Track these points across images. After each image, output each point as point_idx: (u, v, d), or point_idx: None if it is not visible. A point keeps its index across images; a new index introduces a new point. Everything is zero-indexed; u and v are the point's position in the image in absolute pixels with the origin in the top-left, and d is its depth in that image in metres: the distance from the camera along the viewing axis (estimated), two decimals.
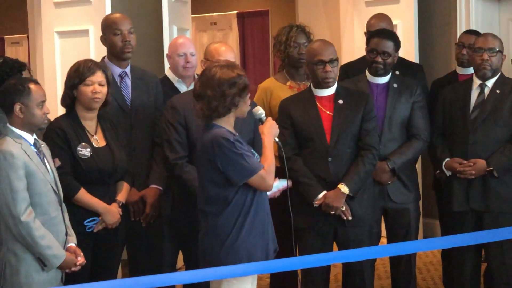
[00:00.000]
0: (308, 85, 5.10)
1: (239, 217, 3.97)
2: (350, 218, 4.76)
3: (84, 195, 4.39)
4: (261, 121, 4.20)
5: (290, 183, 4.38)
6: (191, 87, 5.27)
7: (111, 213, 4.46)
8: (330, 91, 4.86)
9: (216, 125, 3.99)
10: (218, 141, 3.90)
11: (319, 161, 4.78)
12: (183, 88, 5.31)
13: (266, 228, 4.07)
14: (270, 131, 4.11)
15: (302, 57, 5.37)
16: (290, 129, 4.84)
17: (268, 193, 4.19)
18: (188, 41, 5.49)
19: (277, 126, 4.16)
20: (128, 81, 5.00)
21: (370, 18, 5.92)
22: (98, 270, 4.47)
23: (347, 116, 4.81)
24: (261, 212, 4.04)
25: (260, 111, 4.22)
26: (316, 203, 4.73)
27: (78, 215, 4.37)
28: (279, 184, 4.29)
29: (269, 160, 4.02)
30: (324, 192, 4.74)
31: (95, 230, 4.43)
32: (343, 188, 4.72)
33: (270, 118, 4.18)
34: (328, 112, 4.83)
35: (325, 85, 4.83)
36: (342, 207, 4.73)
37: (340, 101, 4.84)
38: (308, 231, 4.80)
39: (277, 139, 4.17)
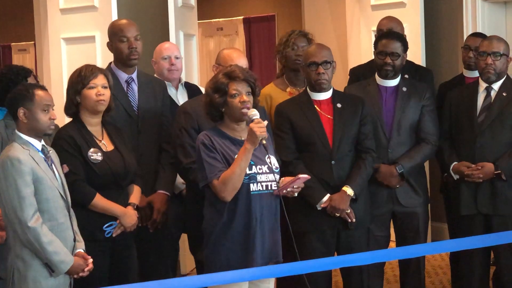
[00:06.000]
0: None
1: (222, 217, 4.01)
2: (354, 220, 4.76)
3: (100, 200, 4.35)
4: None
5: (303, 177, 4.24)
6: (180, 90, 5.41)
7: (129, 216, 4.42)
8: (327, 94, 4.86)
9: (214, 128, 4.12)
10: (197, 142, 4.06)
11: (322, 164, 4.78)
12: (172, 91, 5.35)
13: (252, 240, 4.01)
14: (249, 138, 3.95)
15: (299, 58, 5.28)
16: (289, 133, 4.81)
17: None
18: (173, 45, 5.64)
19: (263, 129, 3.94)
20: (135, 87, 4.99)
21: (381, 19, 5.90)
22: (117, 273, 4.43)
23: (347, 119, 4.82)
24: (247, 221, 4.00)
25: (253, 112, 4.04)
26: (322, 206, 4.73)
27: (98, 221, 4.34)
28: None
29: (229, 171, 3.96)
30: (328, 195, 4.73)
31: (114, 235, 4.39)
32: (349, 191, 4.73)
33: (254, 123, 3.97)
34: (328, 116, 4.83)
35: (317, 87, 4.82)
36: (348, 209, 4.73)
37: (339, 105, 4.84)
38: (311, 234, 4.78)
39: (264, 142, 3.97)
